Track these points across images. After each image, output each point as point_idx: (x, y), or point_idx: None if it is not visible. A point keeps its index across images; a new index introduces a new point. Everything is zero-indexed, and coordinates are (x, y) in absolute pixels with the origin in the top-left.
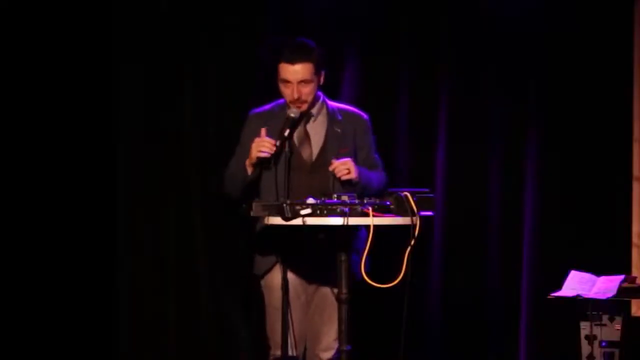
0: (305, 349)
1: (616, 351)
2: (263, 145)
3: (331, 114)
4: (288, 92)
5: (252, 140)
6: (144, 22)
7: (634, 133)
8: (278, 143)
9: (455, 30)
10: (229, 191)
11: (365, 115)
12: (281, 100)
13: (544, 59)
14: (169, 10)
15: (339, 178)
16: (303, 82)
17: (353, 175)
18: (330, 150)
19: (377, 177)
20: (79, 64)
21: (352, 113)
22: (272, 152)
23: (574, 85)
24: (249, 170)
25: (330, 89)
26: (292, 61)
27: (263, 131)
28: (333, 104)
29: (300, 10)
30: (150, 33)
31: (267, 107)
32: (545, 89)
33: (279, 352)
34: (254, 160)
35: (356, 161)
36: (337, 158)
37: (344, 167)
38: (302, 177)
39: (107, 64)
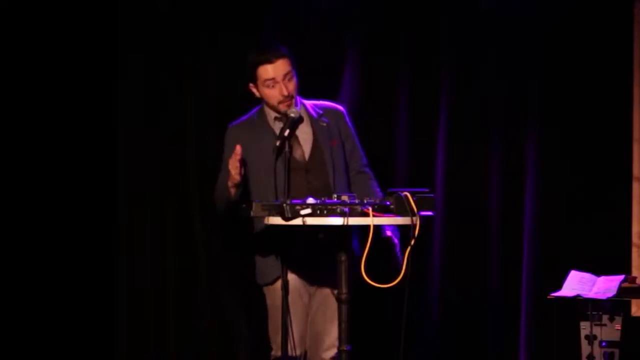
0: (305, 350)
1: (616, 351)
2: (235, 166)
3: (312, 112)
4: (275, 92)
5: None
6: (144, 22)
7: (634, 133)
8: (278, 143)
9: (455, 30)
10: (218, 207)
11: (341, 107)
12: (256, 108)
13: (544, 59)
14: (168, 10)
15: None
16: (287, 76)
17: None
18: (322, 145)
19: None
20: (80, 64)
21: (330, 107)
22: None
23: (574, 85)
24: (232, 191)
25: (331, 89)
26: (271, 60)
27: (238, 148)
28: (308, 102)
29: (300, 10)
30: (151, 33)
31: (244, 117)
32: (545, 89)
33: (280, 353)
34: (235, 180)
35: (344, 153)
36: (332, 151)
37: None
38: (300, 177)
39: (108, 64)
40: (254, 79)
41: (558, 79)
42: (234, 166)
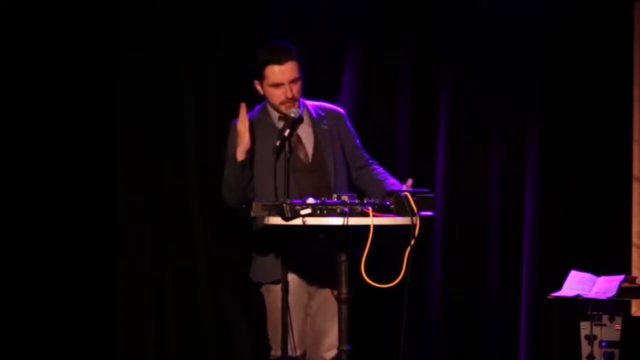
0: (305, 350)
1: (616, 351)
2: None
3: (313, 113)
4: (280, 93)
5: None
6: (143, 22)
7: (634, 133)
8: (278, 143)
9: (455, 30)
10: (228, 199)
11: (342, 110)
12: (258, 106)
13: (544, 59)
14: (168, 10)
15: None
16: (293, 81)
17: None
18: (324, 146)
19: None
20: (80, 63)
21: (331, 110)
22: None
23: (574, 85)
24: (243, 157)
25: (330, 89)
26: (280, 61)
27: (243, 106)
28: (310, 102)
29: (300, 10)
30: (151, 33)
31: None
32: (545, 89)
33: (280, 353)
34: (244, 145)
35: (343, 154)
36: (333, 152)
37: None
38: (303, 177)
39: (107, 64)
40: (260, 77)
41: (558, 79)
42: (243, 124)
